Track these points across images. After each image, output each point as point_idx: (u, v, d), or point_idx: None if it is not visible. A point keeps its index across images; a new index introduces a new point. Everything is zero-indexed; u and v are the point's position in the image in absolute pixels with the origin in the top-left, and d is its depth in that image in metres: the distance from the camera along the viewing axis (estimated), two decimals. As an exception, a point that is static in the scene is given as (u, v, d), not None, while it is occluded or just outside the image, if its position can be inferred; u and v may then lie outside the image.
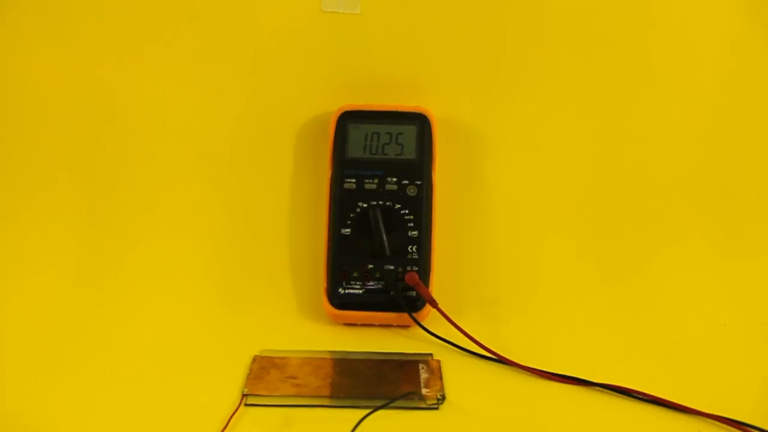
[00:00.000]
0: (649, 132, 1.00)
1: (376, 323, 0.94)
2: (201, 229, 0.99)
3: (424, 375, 0.83)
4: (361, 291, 0.93)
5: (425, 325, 0.91)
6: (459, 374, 0.84)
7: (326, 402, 0.80)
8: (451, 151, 0.99)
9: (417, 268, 0.93)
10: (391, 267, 0.93)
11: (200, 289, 0.97)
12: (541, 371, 0.85)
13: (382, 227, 0.93)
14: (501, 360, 0.87)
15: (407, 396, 0.79)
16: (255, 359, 0.86)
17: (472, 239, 0.99)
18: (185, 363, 0.86)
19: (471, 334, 0.89)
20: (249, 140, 1.00)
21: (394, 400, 0.77)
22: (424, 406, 0.79)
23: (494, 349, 0.87)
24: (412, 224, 0.94)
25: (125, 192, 0.98)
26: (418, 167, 0.95)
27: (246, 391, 0.80)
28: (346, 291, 0.93)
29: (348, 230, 0.94)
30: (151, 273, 0.97)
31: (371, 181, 0.94)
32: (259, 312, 0.95)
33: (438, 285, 0.95)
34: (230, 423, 0.76)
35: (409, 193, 0.95)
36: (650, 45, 0.99)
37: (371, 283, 0.93)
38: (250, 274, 0.97)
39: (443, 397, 0.80)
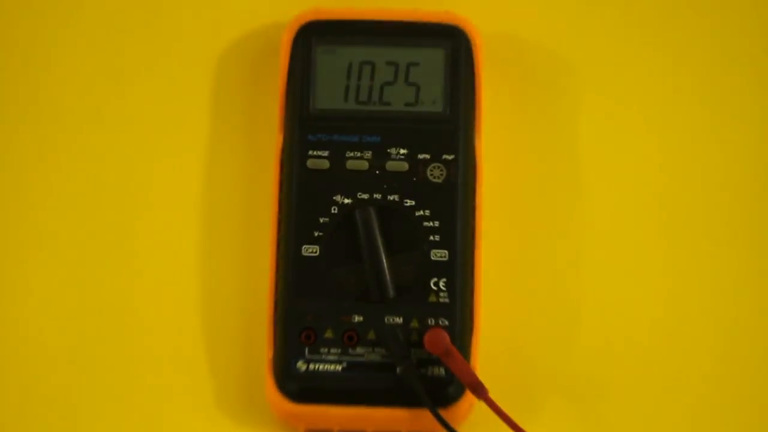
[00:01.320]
0: None
1: (370, 431, 0.66)
2: (44, 237, 0.73)
3: None
4: (339, 366, 0.65)
5: (462, 432, 0.66)
6: None
7: None
8: (510, 96, 0.71)
9: (447, 322, 0.65)
10: (399, 319, 0.65)
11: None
12: None
13: (380, 243, 0.65)
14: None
15: None
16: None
17: (550, 265, 0.71)
18: None
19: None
20: (139, 79, 0.74)
21: None
22: None
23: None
24: (437, 237, 0.66)
25: None
26: (449, 129, 0.67)
27: None
28: (311, 366, 0.65)
29: (314, 249, 0.66)
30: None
31: (359, 154, 0.67)
32: (143, 407, 0.68)
33: (488, 354, 0.67)
34: None
35: (431, 178, 0.67)
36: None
37: (359, 351, 0.66)
38: (122, 334, 0.70)
39: None
